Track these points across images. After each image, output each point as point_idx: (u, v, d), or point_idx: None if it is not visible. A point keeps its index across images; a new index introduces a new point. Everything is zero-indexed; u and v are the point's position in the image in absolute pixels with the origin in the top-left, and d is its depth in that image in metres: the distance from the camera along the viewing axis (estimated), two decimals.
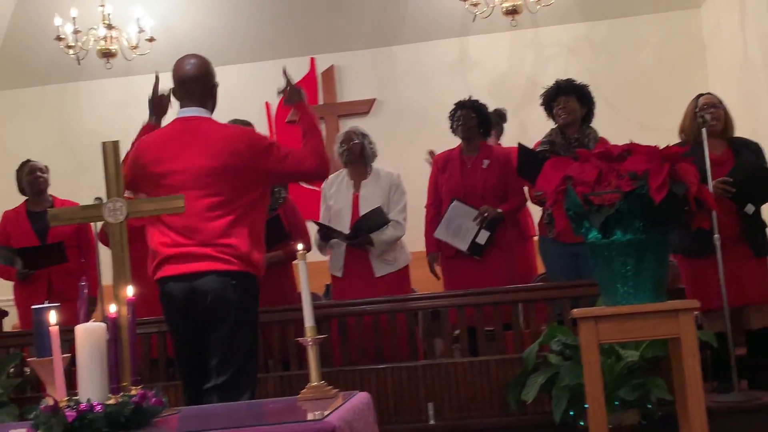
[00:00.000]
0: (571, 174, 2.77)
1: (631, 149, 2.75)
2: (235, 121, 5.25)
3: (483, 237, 5.33)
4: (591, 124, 5.32)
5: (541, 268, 5.84)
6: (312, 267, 5.92)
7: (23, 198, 5.95)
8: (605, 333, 2.76)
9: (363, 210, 5.30)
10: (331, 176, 5.65)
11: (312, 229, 5.44)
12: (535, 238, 5.85)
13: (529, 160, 5.02)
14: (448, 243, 5.44)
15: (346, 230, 5.27)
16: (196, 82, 3.64)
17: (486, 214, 5.29)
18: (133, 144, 3.81)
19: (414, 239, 5.61)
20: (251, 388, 3.51)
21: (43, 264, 5.55)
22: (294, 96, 3.93)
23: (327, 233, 5.30)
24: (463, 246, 5.36)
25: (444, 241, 5.45)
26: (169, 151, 3.54)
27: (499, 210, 5.34)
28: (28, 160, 5.93)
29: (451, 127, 5.62)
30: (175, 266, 3.47)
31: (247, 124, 5.31)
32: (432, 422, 4.77)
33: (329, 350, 5.01)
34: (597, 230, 2.75)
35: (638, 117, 7.43)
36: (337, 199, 5.43)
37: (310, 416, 2.18)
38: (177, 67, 3.69)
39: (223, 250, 3.44)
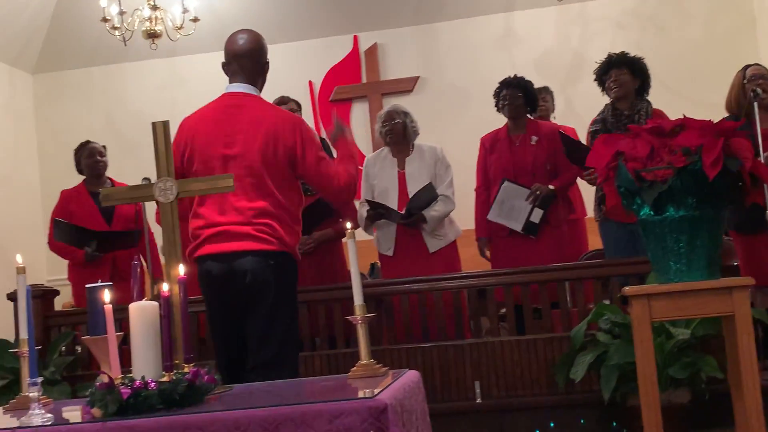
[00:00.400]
0: (623, 150, 2.73)
1: (684, 124, 2.70)
2: (281, 100, 5.27)
3: (537, 215, 5.28)
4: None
5: (590, 247, 5.79)
6: (357, 245, 5.95)
7: (67, 176, 6.02)
8: (658, 311, 2.72)
9: (410, 187, 5.28)
10: (371, 155, 5.65)
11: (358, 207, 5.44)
12: (586, 218, 5.81)
13: (574, 147, 4.98)
14: (500, 224, 5.40)
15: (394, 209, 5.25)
16: (248, 58, 3.60)
17: (538, 192, 5.24)
18: None
19: (459, 217, 5.58)
20: (292, 367, 3.52)
21: (115, 248, 5.63)
22: (338, 131, 3.86)
23: (378, 213, 5.26)
24: (518, 226, 5.31)
25: (497, 222, 5.40)
26: (214, 128, 3.52)
27: (551, 187, 5.29)
28: (87, 142, 5.96)
29: (497, 106, 5.56)
30: (214, 245, 3.46)
31: (298, 105, 5.36)
32: (479, 401, 4.77)
33: (375, 329, 5.02)
34: (649, 207, 2.71)
35: (687, 92, 7.28)
36: (381, 177, 5.40)
37: (361, 394, 2.18)
38: (230, 42, 3.65)
39: (263, 230, 3.43)
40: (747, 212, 4.55)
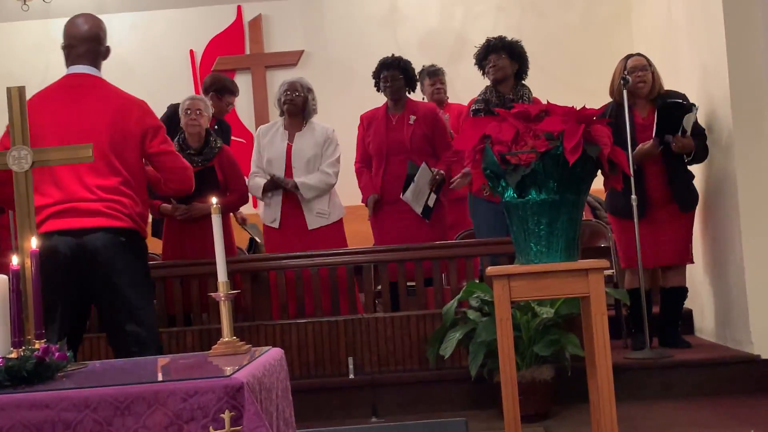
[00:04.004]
0: (490, 133, 2.77)
1: (549, 110, 2.76)
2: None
3: (432, 199, 5.37)
4: (524, 82, 5.34)
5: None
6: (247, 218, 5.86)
7: None
8: (518, 291, 2.79)
9: (295, 161, 5.30)
10: (265, 126, 5.63)
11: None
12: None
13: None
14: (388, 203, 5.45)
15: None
16: (92, 42, 3.63)
17: (437, 177, 5.30)
18: None
19: (341, 192, 5.59)
20: (156, 342, 3.52)
21: None
22: None
23: (274, 184, 5.29)
24: (419, 209, 5.36)
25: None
26: (60, 106, 3.51)
27: (442, 171, 5.37)
28: None
29: (376, 86, 5.58)
30: (61, 221, 3.38)
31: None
32: (351, 376, 4.81)
33: (249, 304, 5.00)
34: (513, 190, 2.77)
35: (564, 76, 7.48)
36: (270, 148, 5.41)
37: (218, 372, 2.16)
38: (73, 25, 3.66)
39: (113, 207, 3.42)
40: (624, 197, 4.77)
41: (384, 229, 5.50)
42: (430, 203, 5.36)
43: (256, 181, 5.37)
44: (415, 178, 5.34)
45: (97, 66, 3.65)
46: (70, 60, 3.64)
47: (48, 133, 3.40)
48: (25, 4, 6.97)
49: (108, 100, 3.53)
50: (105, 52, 3.70)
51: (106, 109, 3.49)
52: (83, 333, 3.71)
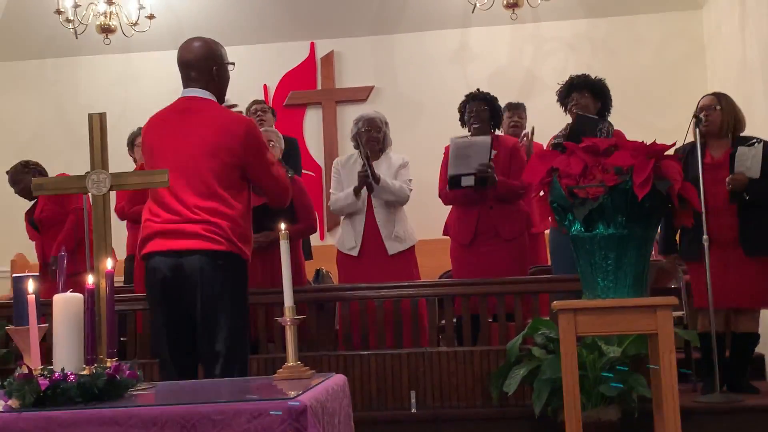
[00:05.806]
0: (558, 166, 2.77)
1: (618, 144, 2.75)
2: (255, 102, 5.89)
3: (467, 181, 5.24)
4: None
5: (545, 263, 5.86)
6: (317, 250, 5.90)
7: (9, 167, 6.09)
8: (584, 325, 2.76)
9: (375, 191, 5.35)
10: (343, 158, 5.69)
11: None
12: (546, 232, 5.86)
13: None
14: (460, 227, 5.41)
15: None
16: (194, 67, 3.68)
17: (489, 170, 5.19)
18: None
19: (416, 227, 5.60)
20: (242, 365, 3.52)
21: None
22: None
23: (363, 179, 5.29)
24: (470, 181, 5.23)
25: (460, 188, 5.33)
26: (169, 129, 3.61)
27: (498, 178, 5.25)
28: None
29: (461, 120, 5.58)
30: (161, 241, 3.47)
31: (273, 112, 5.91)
32: (413, 410, 4.79)
33: (315, 335, 5.03)
34: (580, 223, 2.76)
35: (636, 116, 7.39)
36: (349, 180, 5.45)
37: (282, 395, 2.19)
38: (180, 49, 3.75)
39: (212, 230, 3.45)
40: (690, 238, 4.70)
41: (458, 262, 5.48)
42: (465, 183, 5.23)
43: (341, 194, 5.41)
44: (451, 155, 5.26)
45: (209, 88, 3.67)
46: (184, 83, 3.72)
47: (158, 157, 3.55)
48: (107, 38, 7.20)
49: (212, 122, 3.57)
50: (212, 74, 3.68)
51: (209, 130, 3.54)
52: (195, 352, 3.62)
